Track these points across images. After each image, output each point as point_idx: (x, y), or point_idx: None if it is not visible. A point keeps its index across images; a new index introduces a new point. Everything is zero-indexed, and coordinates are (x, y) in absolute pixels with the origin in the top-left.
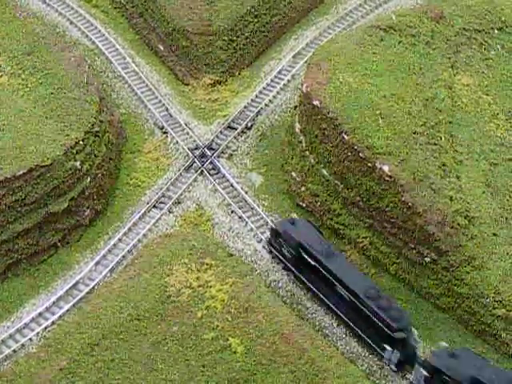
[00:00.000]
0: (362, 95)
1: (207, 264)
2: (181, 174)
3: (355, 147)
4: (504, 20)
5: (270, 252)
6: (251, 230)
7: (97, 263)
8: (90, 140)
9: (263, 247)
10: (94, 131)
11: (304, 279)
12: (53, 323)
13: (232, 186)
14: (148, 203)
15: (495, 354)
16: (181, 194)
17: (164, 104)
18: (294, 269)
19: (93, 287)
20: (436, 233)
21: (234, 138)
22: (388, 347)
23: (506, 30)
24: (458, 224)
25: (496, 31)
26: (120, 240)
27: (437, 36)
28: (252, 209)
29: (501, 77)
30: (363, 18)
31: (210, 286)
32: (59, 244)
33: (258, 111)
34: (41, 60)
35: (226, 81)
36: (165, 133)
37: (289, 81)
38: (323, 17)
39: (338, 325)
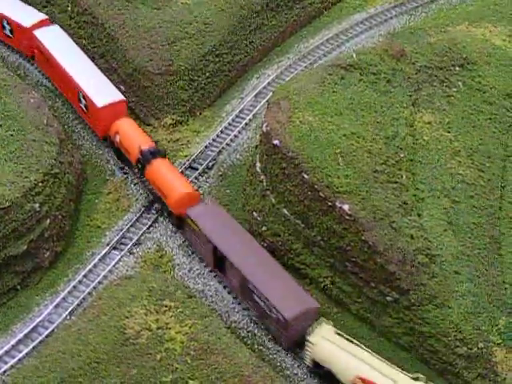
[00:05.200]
0: (321, 134)
1: (166, 306)
2: (141, 214)
3: (315, 186)
4: (465, 57)
5: None
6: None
7: (56, 306)
8: (50, 182)
9: (224, 287)
10: (53, 173)
11: None
12: (12, 367)
13: None
14: (108, 245)
15: None
16: (141, 235)
17: None
18: None
19: (52, 330)
20: (397, 271)
21: (195, 178)
22: None
23: (467, 67)
24: (419, 262)
25: (457, 68)
26: (80, 282)
27: (398, 74)
28: None
29: (462, 114)
30: (325, 57)
31: (169, 328)
32: (19, 287)
33: (219, 151)
34: (0, 102)
35: (188, 121)
36: (125, 173)
37: (250, 120)
38: (285, 56)
39: (298, 366)
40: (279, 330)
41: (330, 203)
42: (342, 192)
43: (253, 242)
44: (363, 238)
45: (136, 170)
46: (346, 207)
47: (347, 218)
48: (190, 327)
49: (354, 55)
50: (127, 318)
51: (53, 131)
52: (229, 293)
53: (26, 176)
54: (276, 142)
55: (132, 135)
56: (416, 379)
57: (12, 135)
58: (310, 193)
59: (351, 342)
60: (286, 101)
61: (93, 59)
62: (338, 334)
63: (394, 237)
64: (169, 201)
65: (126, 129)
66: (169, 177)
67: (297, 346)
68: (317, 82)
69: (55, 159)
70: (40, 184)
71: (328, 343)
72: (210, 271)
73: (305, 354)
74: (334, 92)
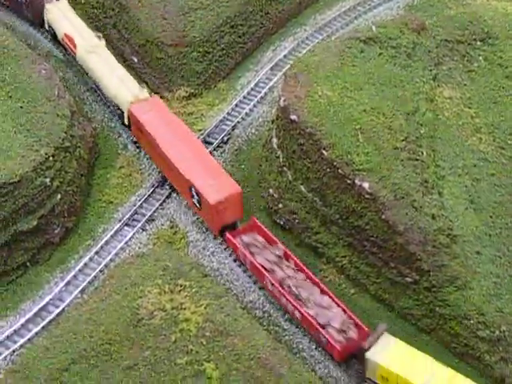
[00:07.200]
0: (341, 109)
1: (181, 285)
2: (154, 190)
3: (334, 163)
4: (487, 31)
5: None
6: (226, 248)
7: (67, 283)
8: (61, 156)
9: (238, 266)
10: (64, 146)
11: None
12: (21, 346)
13: None
14: (120, 221)
15: (480, 377)
16: (154, 211)
17: None
18: None
19: (63, 309)
20: (417, 252)
21: (210, 152)
22: None
23: (488, 42)
24: (441, 243)
25: (478, 43)
26: (91, 259)
27: (418, 48)
28: None
29: (483, 89)
30: (342, 29)
31: (184, 308)
32: (28, 263)
33: (234, 125)
34: (10, 73)
35: (202, 93)
36: (138, 147)
37: (266, 93)
38: (301, 27)
39: (316, 347)
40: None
41: (349, 181)
42: (361, 169)
43: None
44: (383, 217)
45: None
46: (365, 185)
47: (367, 196)
48: (205, 307)
49: (374, 28)
50: (140, 297)
51: (64, 103)
52: (244, 272)
53: (37, 149)
54: (294, 117)
55: None
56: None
57: (22, 107)
58: (328, 170)
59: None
60: (304, 74)
61: (104, 29)
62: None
63: (415, 216)
64: None
65: None
66: None
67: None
68: (336, 56)
69: (66, 132)
70: (51, 158)
71: (57, 11)
72: (225, 249)
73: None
74: (353, 66)
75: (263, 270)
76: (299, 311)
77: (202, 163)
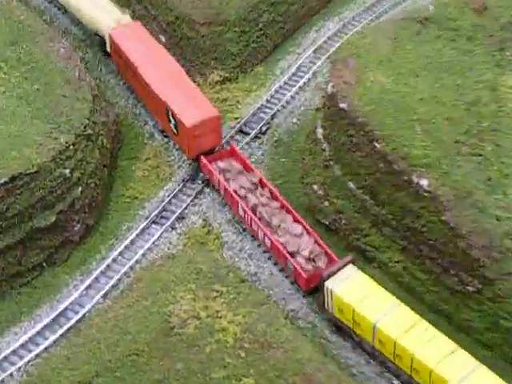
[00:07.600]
0: (396, 98)
1: (217, 291)
2: (185, 184)
3: (388, 157)
4: None
5: None
6: (265, 251)
7: (88, 287)
8: (82, 144)
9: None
10: (86, 134)
11: None
12: (37, 356)
13: None
14: (147, 218)
15: None
16: (185, 208)
17: None
18: None
19: (84, 315)
20: (481, 258)
21: (247, 144)
22: None
23: None
24: (507, 248)
25: None
26: (115, 260)
27: (479, 30)
28: None
29: None
30: (391, 10)
31: (221, 317)
32: (45, 264)
33: (274, 113)
34: (25, 51)
35: (237, 78)
36: (166, 137)
37: (309, 79)
38: (347, 6)
39: (367, 363)
40: None
41: (405, 177)
42: (419, 165)
43: None
44: (443, 218)
45: None
46: (424, 182)
47: (425, 194)
48: (243, 316)
49: (431, 7)
50: (172, 303)
51: (85, 86)
52: (286, 277)
53: (56, 137)
54: (343, 105)
55: None
56: None
57: (39, 90)
58: (381, 165)
59: None
60: (354, 58)
61: (129, 5)
62: None
63: (479, 218)
64: None
65: None
66: None
67: None
68: (389, 38)
69: (88, 118)
70: (71, 147)
71: None
72: (264, 252)
73: None
74: (408, 49)
75: (236, 196)
76: (269, 238)
77: (181, 88)
